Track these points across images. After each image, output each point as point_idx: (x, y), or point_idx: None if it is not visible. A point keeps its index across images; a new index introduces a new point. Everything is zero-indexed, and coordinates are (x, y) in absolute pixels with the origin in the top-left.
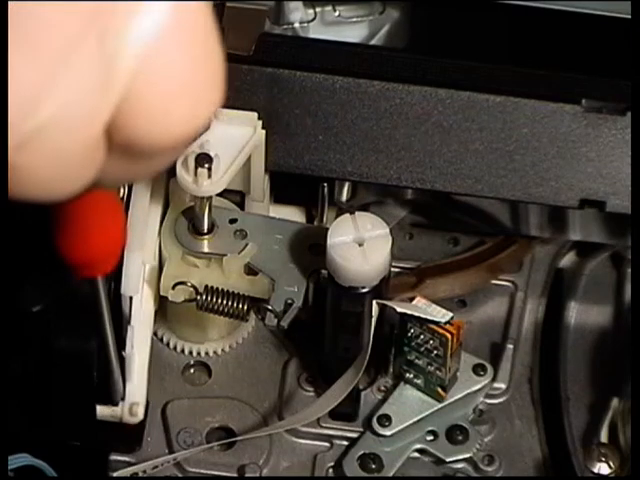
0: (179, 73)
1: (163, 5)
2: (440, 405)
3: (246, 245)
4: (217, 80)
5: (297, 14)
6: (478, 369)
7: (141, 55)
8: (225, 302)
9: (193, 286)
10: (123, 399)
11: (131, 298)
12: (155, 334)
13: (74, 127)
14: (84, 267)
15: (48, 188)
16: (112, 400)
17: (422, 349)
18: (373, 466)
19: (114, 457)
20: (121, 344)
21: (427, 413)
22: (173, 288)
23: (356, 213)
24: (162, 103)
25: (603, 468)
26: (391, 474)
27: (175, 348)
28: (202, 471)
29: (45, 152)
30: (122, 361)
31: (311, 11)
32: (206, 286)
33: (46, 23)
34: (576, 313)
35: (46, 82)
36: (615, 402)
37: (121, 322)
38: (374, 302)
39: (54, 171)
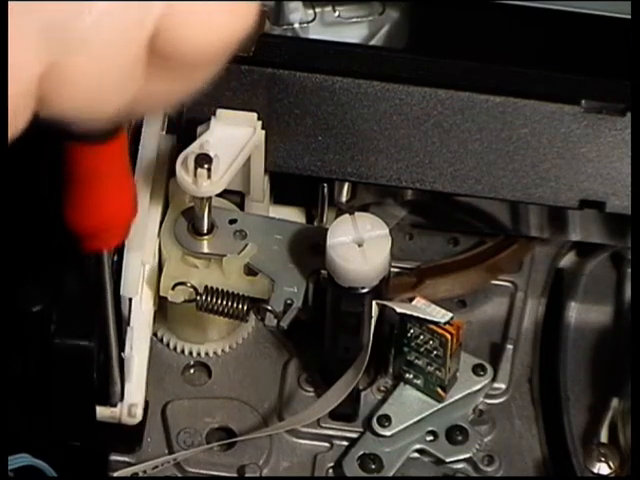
0: None
1: None
2: (440, 405)
3: (246, 245)
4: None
5: (297, 15)
6: (478, 369)
7: None
8: (225, 302)
9: (193, 286)
10: (122, 400)
11: (130, 299)
12: (155, 335)
13: (122, 30)
14: (91, 237)
15: (91, 100)
16: (111, 401)
17: (422, 349)
18: (373, 466)
19: (114, 457)
20: (121, 345)
21: (427, 413)
22: (173, 289)
23: (356, 213)
24: (205, 6)
25: (603, 468)
26: (391, 474)
27: (175, 348)
28: (202, 471)
29: (94, 56)
30: (121, 362)
31: (311, 12)
32: (206, 286)
33: None
34: (576, 313)
35: None
36: (615, 402)
37: (120, 323)
38: (374, 302)
39: (100, 80)
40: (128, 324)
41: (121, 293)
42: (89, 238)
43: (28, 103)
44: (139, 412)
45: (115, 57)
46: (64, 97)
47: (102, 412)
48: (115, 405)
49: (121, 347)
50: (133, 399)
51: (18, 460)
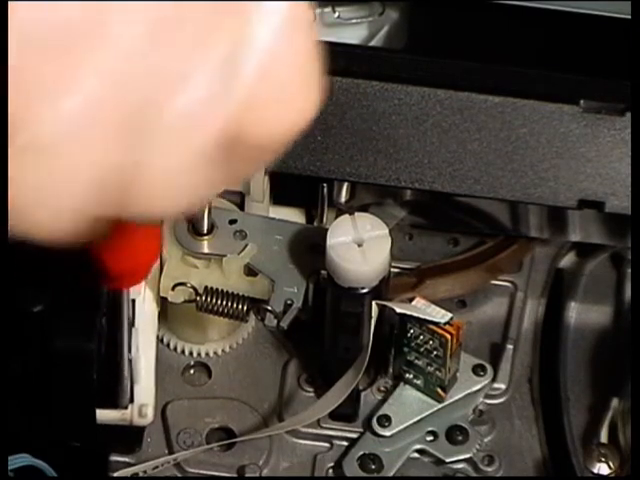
0: (292, 74)
1: (278, 8)
2: (440, 405)
3: (246, 246)
4: (318, 80)
5: None
6: (478, 369)
7: (261, 61)
8: (225, 303)
9: (193, 287)
10: (132, 401)
11: (134, 300)
12: (156, 342)
13: (193, 130)
14: (116, 279)
15: (167, 199)
16: (121, 404)
17: (422, 349)
18: (373, 466)
19: (114, 458)
20: (128, 347)
21: (427, 413)
22: (173, 289)
23: (355, 214)
24: (277, 104)
25: (603, 468)
26: (391, 474)
27: (175, 349)
28: (202, 472)
29: (164, 159)
30: (130, 364)
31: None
32: (206, 287)
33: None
34: (576, 313)
35: (178, 77)
36: (615, 402)
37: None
38: (374, 303)
39: (176, 179)
40: (133, 325)
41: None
42: (113, 280)
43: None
44: (150, 412)
45: (192, 155)
46: (139, 205)
47: (113, 415)
48: (126, 407)
49: (128, 349)
50: (143, 400)
51: (18, 460)
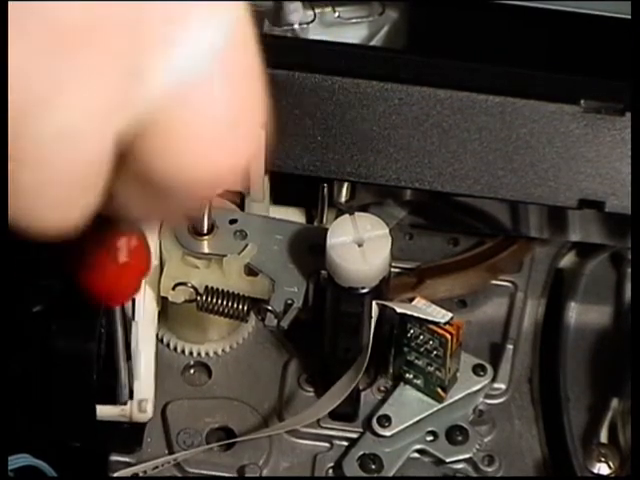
0: (214, 114)
1: (211, 36)
2: (440, 405)
3: (246, 246)
4: (253, 130)
5: (296, 15)
6: (478, 369)
7: (174, 86)
8: (225, 303)
9: (193, 287)
10: (132, 397)
11: (134, 299)
12: (155, 338)
13: (79, 140)
14: (104, 297)
15: (49, 209)
16: (120, 399)
17: (422, 349)
18: (373, 466)
19: (114, 457)
20: (127, 344)
21: (427, 413)
22: (173, 289)
23: (356, 214)
24: (189, 142)
25: (603, 468)
26: (391, 474)
27: (175, 349)
28: (202, 472)
29: (48, 166)
30: (129, 360)
31: (310, 12)
32: (206, 287)
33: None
34: (576, 313)
35: (63, 86)
36: (615, 402)
37: (125, 324)
38: (374, 303)
39: (56, 190)
40: (133, 319)
41: None
42: (102, 298)
43: None
44: (149, 408)
45: (69, 170)
46: (19, 211)
47: (112, 411)
48: (125, 403)
49: (127, 346)
50: (142, 395)
51: (18, 460)
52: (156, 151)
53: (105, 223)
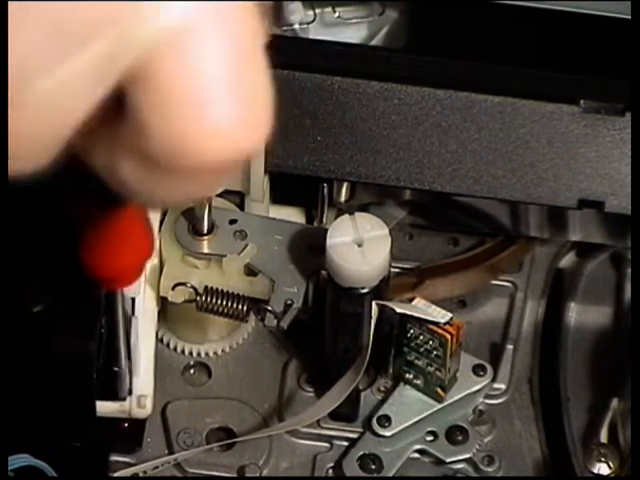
0: (209, 68)
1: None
2: (440, 406)
3: (246, 246)
4: (259, 99)
5: (297, 15)
6: (478, 369)
7: (164, 31)
8: (225, 303)
9: (193, 287)
10: (130, 393)
11: (134, 299)
12: (155, 335)
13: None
14: (108, 281)
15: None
16: (119, 395)
17: (422, 350)
18: (373, 467)
19: (114, 457)
20: (127, 341)
21: (427, 414)
22: (173, 289)
23: (355, 214)
24: (182, 97)
25: (603, 468)
26: (391, 474)
27: (175, 349)
28: (202, 472)
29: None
30: (128, 355)
31: (310, 12)
32: (206, 287)
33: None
34: (576, 313)
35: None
36: (615, 402)
37: (125, 323)
38: (374, 303)
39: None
40: (132, 314)
41: (124, 293)
42: (106, 282)
43: None
44: (149, 404)
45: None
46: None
47: (111, 407)
48: (124, 399)
49: (127, 343)
50: (141, 391)
51: (18, 460)
52: (149, 106)
53: (109, 204)
